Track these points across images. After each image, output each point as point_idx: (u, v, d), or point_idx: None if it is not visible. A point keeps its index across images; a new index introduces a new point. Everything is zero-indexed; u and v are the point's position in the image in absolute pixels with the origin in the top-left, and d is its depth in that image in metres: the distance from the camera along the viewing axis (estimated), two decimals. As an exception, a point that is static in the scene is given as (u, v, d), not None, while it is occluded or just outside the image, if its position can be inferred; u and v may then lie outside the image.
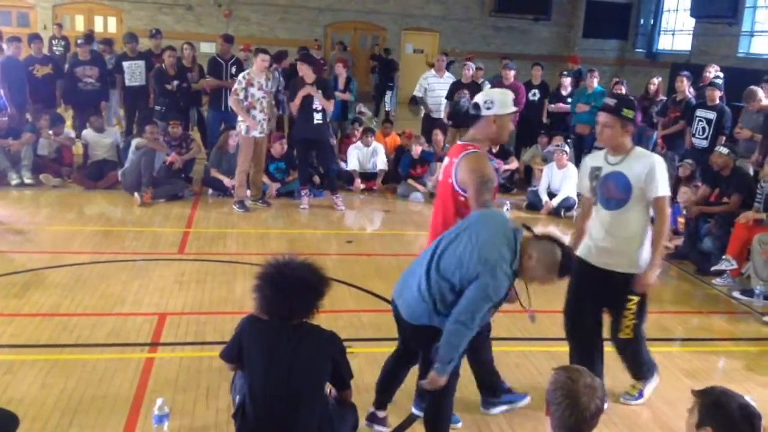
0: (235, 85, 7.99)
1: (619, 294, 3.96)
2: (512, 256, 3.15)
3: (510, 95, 3.82)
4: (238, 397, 3.20)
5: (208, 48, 15.06)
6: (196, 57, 10.19)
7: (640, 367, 4.28)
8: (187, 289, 5.61)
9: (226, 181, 8.53)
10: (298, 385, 2.99)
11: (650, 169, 3.79)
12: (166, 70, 9.32)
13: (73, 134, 9.53)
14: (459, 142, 3.86)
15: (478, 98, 3.77)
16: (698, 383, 4.28)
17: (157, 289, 5.55)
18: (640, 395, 4.29)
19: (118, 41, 13.38)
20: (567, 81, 10.45)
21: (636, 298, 3.95)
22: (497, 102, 3.69)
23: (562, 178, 8.88)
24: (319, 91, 8.04)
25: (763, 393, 4.45)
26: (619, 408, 4.20)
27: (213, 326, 4.94)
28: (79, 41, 10.23)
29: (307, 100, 8.04)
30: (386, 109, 16.24)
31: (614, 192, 3.89)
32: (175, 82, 9.29)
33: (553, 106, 10.42)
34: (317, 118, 8.10)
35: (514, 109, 3.76)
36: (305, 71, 8.05)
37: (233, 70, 9.40)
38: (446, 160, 3.86)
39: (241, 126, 8.01)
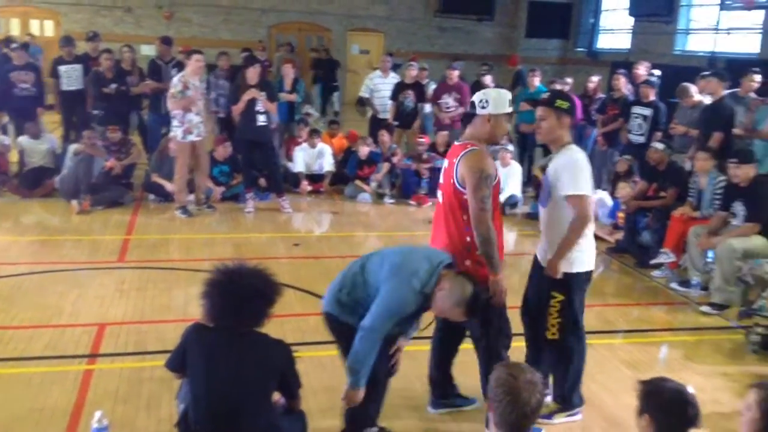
0: (171, 89, 7.84)
1: (544, 290, 3.90)
2: (428, 279, 3.28)
3: (506, 95, 3.79)
4: (182, 405, 3.14)
5: (149, 50, 14.77)
6: (136, 60, 9.98)
7: (562, 386, 4.03)
8: (128, 298, 5.48)
9: (168, 186, 8.38)
10: (243, 394, 2.93)
11: (562, 167, 3.76)
12: (103, 73, 9.10)
13: (8, 141, 9.23)
14: (457, 143, 3.83)
15: (475, 97, 3.77)
16: (639, 374, 4.39)
17: (97, 299, 5.41)
18: (548, 417, 3.98)
19: (54, 45, 12.97)
20: (487, 79, 10.55)
21: (560, 297, 3.84)
22: (492, 101, 3.69)
23: (507, 176, 8.98)
24: (263, 93, 7.98)
25: (701, 381, 4.58)
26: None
27: (154, 335, 4.84)
28: (13, 46, 9.91)
29: (251, 101, 7.97)
30: (334, 109, 16.19)
31: (545, 188, 3.94)
32: (114, 86, 9.08)
33: None
34: (260, 119, 8.03)
35: (509, 109, 3.74)
36: (249, 73, 7.98)
37: (174, 72, 9.21)
38: (445, 162, 3.80)
39: (177, 131, 7.85)
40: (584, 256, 3.88)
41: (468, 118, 3.77)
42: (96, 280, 5.84)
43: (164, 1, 18.63)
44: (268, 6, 19.40)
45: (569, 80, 10.41)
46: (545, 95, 4.02)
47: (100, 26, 16.46)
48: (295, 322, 5.10)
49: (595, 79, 10.34)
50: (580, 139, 9.83)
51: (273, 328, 3.14)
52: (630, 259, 7.19)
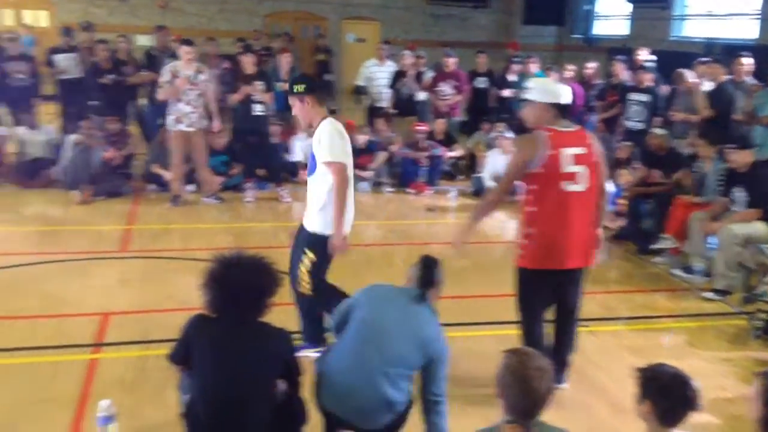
0: (161, 78, 7.80)
1: (300, 248, 4.33)
2: None
3: (553, 85, 4.13)
4: (186, 396, 3.14)
5: (144, 41, 14.68)
6: (131, 50, 9.92)
7: (306, 328, 4.53)
8: (131, 288, 5.48)
9: (167, 176, 8.35)
10: (247, 383, 2.94)
11: (318, 139, 4.14)
12: (100, 64, 9.05)
13: (5, 131, 9.19)
14: (572, 129, 3.93)
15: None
16: (643, 360, 4.38)
17: (100, 288, 5.41)
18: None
19: (48, 35, 12.90)
20: (516, 67, 10.52)
21: (311, 255, 4.25)
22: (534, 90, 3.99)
23: (506, 163, 8.97)
24: (261, 84, 7.95)
25: (705, 367, 4.61)
26: (571, 391, 4.27)
27: (158, 324, 4.83)
28: (6, 36, 9.84)
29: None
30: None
31: (310, 160, 4.30)
32: (110, 76, 9.02)
33: (503, 91, 10.47)
34: (257, 109, 8.02)
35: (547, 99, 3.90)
36: (246, 62, 7.95)
37: (168, 62, 9.16)
38: (569, 150, 3.80)
39: (168, 120, 7.80)
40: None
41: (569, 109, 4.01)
42: (99, 269, 5.84)
43: (159, -10, 18.51)
44: (263, -5, 19.30)
45: (571, 67, 10.35)
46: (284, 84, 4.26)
47: (94, 16, 16.34)
48: (294, 310, 5.08)
49: (591, 65, 10.31)
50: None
51: (274, 317, 3.13)
52: (632, 246, 7.20)
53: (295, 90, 4.19)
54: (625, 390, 4.21)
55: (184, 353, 3.05)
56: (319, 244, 4.24)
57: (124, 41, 9.76)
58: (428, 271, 3.44)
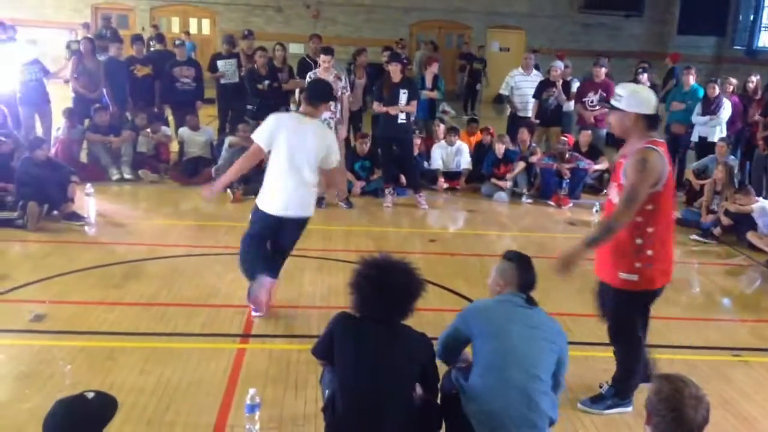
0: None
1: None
2: None
3: (646, 93, 3.88)
4: (327, 391, 3.25)
5: (296, 49, 15.36)
6: (287, 58, 10.42)
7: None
8: (277, 284, 5.74)
9: (313, 179, 8.68)
10: (387, 384, 3.01)
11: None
12: (258, 70, 9.55)
13: (169, 132, 9.93)
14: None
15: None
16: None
17: (248, 283, 5.70)
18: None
19: (210, 42, 13.65)
20: (644, 77, 10.08)
21: None
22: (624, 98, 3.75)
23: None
24: (406, 92, 8.10)
25: None
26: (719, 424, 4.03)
27: (301, 320, 5.07)
28: (177, 42, 10.65)
29: (393, 98, 8.11)
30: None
31: None
32: (267, 82, 9.50)
33: None
34: (401, 117, 8.16)
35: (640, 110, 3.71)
36: (393, 70, 8.13)
37: (322, 70, 9.53)
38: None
39: None
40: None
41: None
42: (247, 265, 6.16)
43: (312, 0, 19.30)
44: (409, 5, 19.63)
45: (733, 81, 9.77)
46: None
47: (253, 25, 17.29)
48: (432, 316, 5.13)
49: (754, 78, 9.65)
50: (737, 141, 9.24)
51: (412, 321, 3.20)
52: (793, 273, 6.69)
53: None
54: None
55: (327, 348, 3.16)
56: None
57: (281, 49, 10.25)
58: (529, 274, 3.37)
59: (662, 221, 3.71)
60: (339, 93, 8.08)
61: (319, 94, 5.08)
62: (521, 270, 3.36)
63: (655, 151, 3.61)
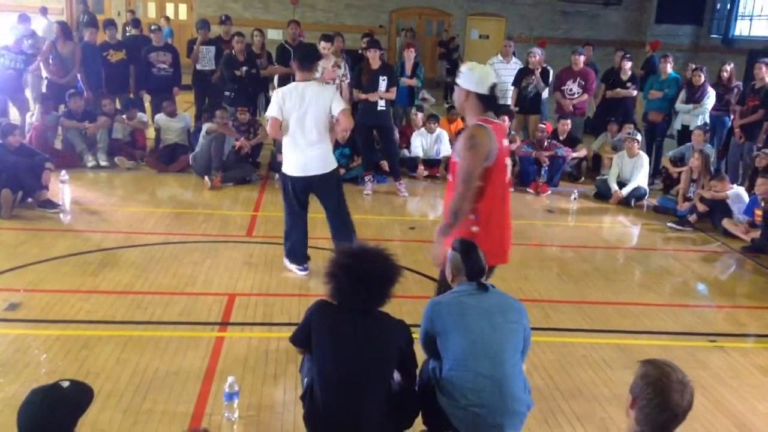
0: None
1: None
2: None
3: (484, 72, 3.78)
4: (306, 379, 3.25)
5: (275, 35, 15.24)
6: (265, 44, 10.31)
7: None
8: (255, 271, 5.72)
9: (293, 166, 8.64)
10: (365, 371, 3.01)
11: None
12: (235, 56, 9.45)
13: (145, 118, 9.81)
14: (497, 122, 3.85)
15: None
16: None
17: (227, 271, 5.68)
18: None
19: (187, 27, 13.49)
20: (627, 65, 10.12)
21: None
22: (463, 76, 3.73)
23: (633, 167, 8.66)
24: (385, 78, 8.07)
25: None
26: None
27: (280, 308, 5.03)
28: (152, 27, 10.49)
29: (372, 85, 8.07)
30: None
31: None
32: (244, 68, 9.40)
33: (611, 91, 10.14)
34: (381, 104, 8.14)
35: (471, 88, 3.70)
36: (372, 56, 8.09)
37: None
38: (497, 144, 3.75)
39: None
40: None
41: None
42: (226, 252, 6.13)
43: (290, -15, 19.14)
44: (390, -9, 19.54)
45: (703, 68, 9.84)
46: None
47: (230, 10, 17.11)
48: (411, 304, 5.14)
49: (728, 67, 9.69)
50: (714, 129, 9.32)
51: (391, 309, 3.19)
52: (766, 259, 6.77)
53: None
54: (755, 410, 4.01)
55: (305, 337, 3.15)
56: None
57: (259, 35, 10.14)
58: (474, 262, 3.34)
59: (487, 200, 3.70)
60: (338, 81, 8.05)
61: (309, 57, 5.49)
62: (466, 259, 3.34)
63: (484, 128, 3.64)
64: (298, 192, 5.49)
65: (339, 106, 5.38)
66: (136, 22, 12.12)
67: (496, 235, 3.78)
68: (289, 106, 5.27)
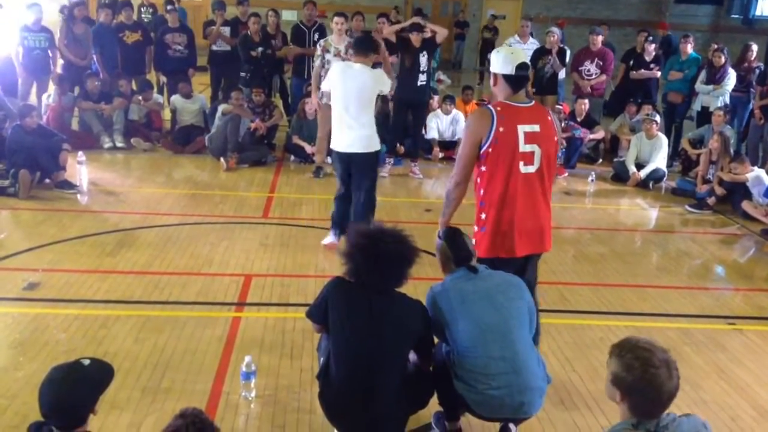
0: (316, 53, 7.99)
1: None
2: None
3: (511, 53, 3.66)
4: (322, 358, 3.26)
5: (289, 16, 15.13)
6: (280, 24, 10.26)
7: None
8: (272, 252, 5.73)
9: (307, 148, 8.63)
10: (381, 350, 3.00)
11: None
12: (251, 36, 9.41)
13: (161, 99, 9.81)
14: (532, 104, 3.73)
15: None
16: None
17: (243, 252, 5.70)
18: None
19: (203, 8, 13.45)
20: (651, 47, 9.98)
21: None
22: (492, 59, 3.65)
23: (652, 148, 8.57)
24: (425, 54, 8.07)
25: None
26: (714, 391, 4.06)
27: (296, 288, 5.05)
28: (168, 8, 10.46)
29: (414, 61, 8.03)
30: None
31: None
32: (260, 49, 9.36)
33: (635, 72, 10.02)
34: (421, 79, 8.10)
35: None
36: (415, 39, 8.02)
37: (316, 36, 9.39)
38: (535, 127, 3.55)
39: (320, 94, 7.98)
40: None
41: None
42: (242, 233, 6.15)
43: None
44: (405, -29, 19.30)
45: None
46: None
47: (245, -9, 16.95)
48: (427, 285, 5.10)
49: (754, 47, 9.54)
50: (734, 111, 9.18)
51: (406, 290, 3.19)
52: (786, 243, 6.70)
53: None
54: (775, 395, 3.98)
55: (322, 313, 3.13)
56: None
57: (274, 15, 10.08)
58: (460, 249, 3.32)
59: (494, 187, 3.55)
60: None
61: (365, 46, 5.69)
62: (452, 246, 3.33)
63: (481, 110, 3.57)
64: (342, 168, 5.69)
65: (388, 85, 5.84)
66: (151, 3, 12.09)
67: (504, 225, 3.58)
68: (338, 82, 5.50)
